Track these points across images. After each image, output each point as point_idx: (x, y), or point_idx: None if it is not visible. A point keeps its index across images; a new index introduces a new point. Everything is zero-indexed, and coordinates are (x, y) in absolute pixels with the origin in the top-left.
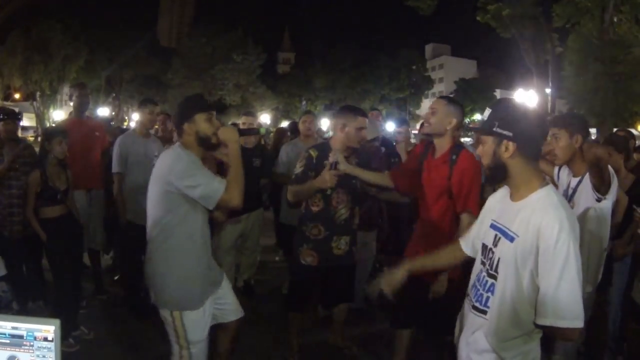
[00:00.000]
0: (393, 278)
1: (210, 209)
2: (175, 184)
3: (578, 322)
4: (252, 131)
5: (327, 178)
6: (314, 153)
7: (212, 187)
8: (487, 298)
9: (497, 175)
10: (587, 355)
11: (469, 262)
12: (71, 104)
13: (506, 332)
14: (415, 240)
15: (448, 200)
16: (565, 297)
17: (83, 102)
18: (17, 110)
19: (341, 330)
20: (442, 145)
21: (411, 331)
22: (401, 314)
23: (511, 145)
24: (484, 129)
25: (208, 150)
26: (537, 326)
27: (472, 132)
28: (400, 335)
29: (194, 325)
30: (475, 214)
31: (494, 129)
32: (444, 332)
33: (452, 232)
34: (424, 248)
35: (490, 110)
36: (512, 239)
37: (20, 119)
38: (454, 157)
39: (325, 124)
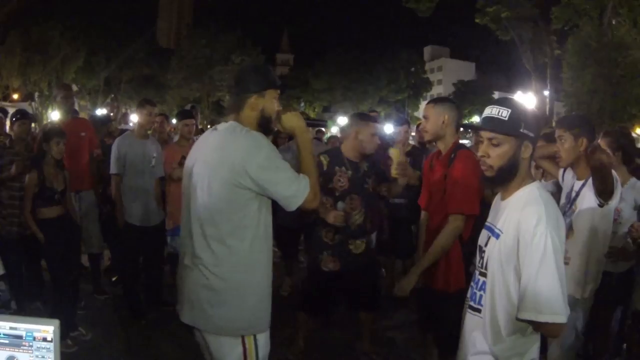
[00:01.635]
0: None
1: (291, 210)
2: (252, 176)
3: (559, 317)
4: (320, 123)
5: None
6: (324, 160)
7: (300, 184)
8: (480, 296)
9: (506, 177)
10: (586, 357)
11: None
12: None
13: (498, 329)
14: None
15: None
16: (544, 291)
17: (69, 102)
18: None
19: (368, 337)
20: (445, 146)
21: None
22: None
23: (530, 147)
24: (510, 129)
25: (264, 134)
26: (519, 320)
27: (489, 133)
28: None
29: (264, 344)
30: (471, 212)
31: (521, 130)
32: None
33: (461, 237)
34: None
35: (509, 110)
36: (497, 236)
37: (35, 121)
38: (452, 155)
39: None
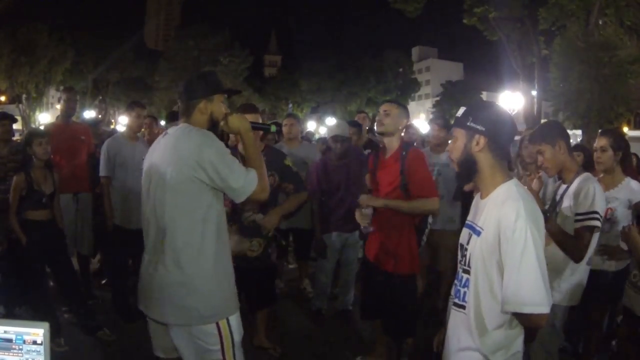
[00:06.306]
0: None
1: (240, 201)
2: (205, 169)
3: (542, 308)
4: (263, 127)
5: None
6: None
7: (248, 177)
8: (464, 293)
9: (467, 170)
10: (575, 353)
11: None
12: (58, 107)
13: (483, 325)
14: (374, 240)
15: (401, 194)
16: (526, 283)
17: (70, 106)
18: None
19: (263, 331)
20: (393, 144)
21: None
22: (368, 305)
23: (482, 140)
24: (458, 122)
25: None
26: (505, 313)
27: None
28: (380, 337)
29: (237, 326)
30: (433, 196)
31: (468, 123)
32: (404, 334)
33: (409, 226)
34: (383, 244)
35: (464, 108)
36: (478, 234)
37: (15, 121)
38: (404, 153)
39: (311, 126)
